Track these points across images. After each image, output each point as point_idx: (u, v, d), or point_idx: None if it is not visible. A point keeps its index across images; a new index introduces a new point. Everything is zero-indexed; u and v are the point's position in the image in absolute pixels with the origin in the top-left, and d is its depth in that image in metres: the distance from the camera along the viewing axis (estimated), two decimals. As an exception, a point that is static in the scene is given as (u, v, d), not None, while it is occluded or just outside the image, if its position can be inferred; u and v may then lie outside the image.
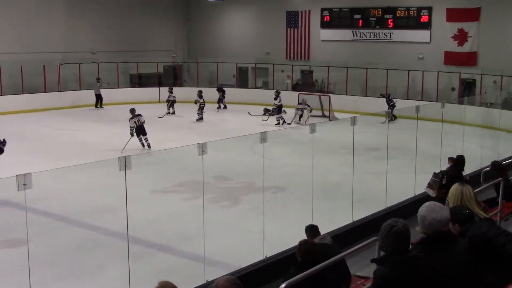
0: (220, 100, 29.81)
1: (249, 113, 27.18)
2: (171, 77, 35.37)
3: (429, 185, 10.00)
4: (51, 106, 27.81)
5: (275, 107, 25.13)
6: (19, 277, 7.54)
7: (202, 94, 25.84)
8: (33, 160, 16.66)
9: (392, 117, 25.13)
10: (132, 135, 19.19)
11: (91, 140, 20.71)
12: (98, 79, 29.80)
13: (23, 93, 27.78)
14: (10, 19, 28.62)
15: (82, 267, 9.78)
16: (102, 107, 29.41)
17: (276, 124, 24.58)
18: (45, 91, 28.66)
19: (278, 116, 24.92)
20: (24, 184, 6.12)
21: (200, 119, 25.47)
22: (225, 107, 29.69)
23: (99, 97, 29.63)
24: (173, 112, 27.16)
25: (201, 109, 25.64)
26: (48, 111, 27.03)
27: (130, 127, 19.28)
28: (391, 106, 25.41)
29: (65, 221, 12.04)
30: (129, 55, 31.82)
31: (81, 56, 30.43)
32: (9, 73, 27.34)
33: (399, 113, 22.91)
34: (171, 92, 27.82)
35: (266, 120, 25.05)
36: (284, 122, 24.84)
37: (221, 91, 30.02)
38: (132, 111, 19.56)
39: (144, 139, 19.37)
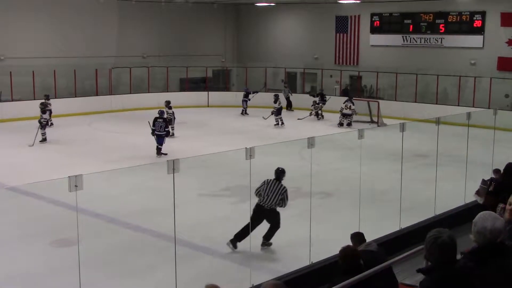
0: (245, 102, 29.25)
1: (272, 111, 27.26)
2: (220, 81, 35.62)
3: (477, 192, 9.84)
4: (102, 109, 28.34)
5: (274, 109, 25.67)
6: (69, 277, 7.71)
7: (171, 105, 22.75)
8: (84, 162, 17.01)
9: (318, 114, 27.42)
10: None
11: (140, 143, 21.01)
12: (285, 83, 29.91)
13: (75, 96, 28.43)
14: (64, 24, 29.37)
15: (131, 268, 9.93)
16: (292, 110, 29.60)
17: (275, 125, 25.33)
18: (97, 95, 29.28)
19: (277, 117, 25.61)
20: (75, 186, 6.25)
21: (172, 134, 21.77)
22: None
23: (289, 101, 30.05)
24: (52, 124, 23.63)
25: (170, 121, 21.85)
26: (99, 114, 27.54)
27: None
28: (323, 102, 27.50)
29: (115, 222, 12.25)
30: (178, 59, 32.21)
31: (132, 60, 31.00)
32: (62, 77, 27.99)
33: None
34: (47, 99, 24.10)
35: (266, 119, 25.86)
36: (283, 123, 25.54)
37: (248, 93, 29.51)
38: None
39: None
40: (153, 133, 18.75)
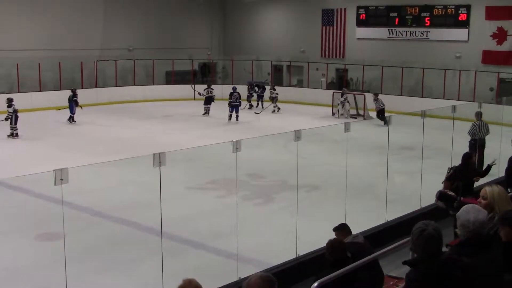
0: (260, 97, 29.25)
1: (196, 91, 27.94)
2: (206, 74, 35.52)
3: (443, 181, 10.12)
4: (87, 102, 28.10)
5: (202, 96, 26.45)
6: (55, 271, 7.66)
7: (13, 102, 20.75)
8: (69, 155, 16.90)
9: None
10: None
11: (126, 136, 20.93)
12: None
13: (60, 89, 28.21)
14: (49, 16, 29.14)
15: (117, 262, 9.91)
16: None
17: (203, 114, 25.84)
18: (82, 87, 29.07)
19: (206, 106, 26.09)
20: (61, 179, 6.20)
21: (13, 135, 20.60)
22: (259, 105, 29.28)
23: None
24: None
25: (9, 120, 20.62)
26: (84, 107, 27.34)
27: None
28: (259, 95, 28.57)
29: (101, 216, 12.20)
30: (165, 52, 32.07)
31: (117, 53, 30.83)
32: (47, 70, 27.77)
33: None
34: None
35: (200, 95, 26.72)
36: (207, 113, 26.02)
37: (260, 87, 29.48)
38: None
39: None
40: (229, 104, 24.35)
